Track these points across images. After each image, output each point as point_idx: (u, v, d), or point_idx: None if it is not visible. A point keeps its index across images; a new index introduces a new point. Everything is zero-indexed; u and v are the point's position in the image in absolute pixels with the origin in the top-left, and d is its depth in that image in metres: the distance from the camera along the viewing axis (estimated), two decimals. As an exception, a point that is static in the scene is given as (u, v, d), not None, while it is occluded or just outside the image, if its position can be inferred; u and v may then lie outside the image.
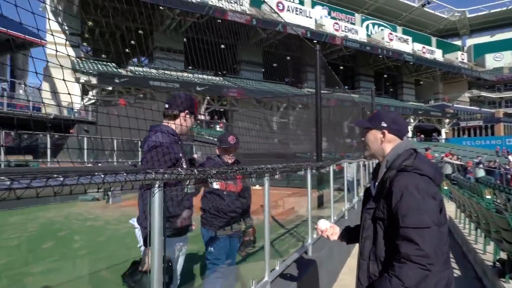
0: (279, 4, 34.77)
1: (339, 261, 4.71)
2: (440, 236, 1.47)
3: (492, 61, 54.05)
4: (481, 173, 15.65)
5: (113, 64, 29.67)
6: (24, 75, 19.14)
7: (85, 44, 33.55)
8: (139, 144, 2.35)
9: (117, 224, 6.90)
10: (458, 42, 56.53)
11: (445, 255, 1.51)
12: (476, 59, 54.97)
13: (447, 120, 47.77)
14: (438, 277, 1.45)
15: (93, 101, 25.88)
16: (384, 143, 1.68)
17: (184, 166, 2.27)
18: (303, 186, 6.06)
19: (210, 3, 27.56)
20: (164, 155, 2.08)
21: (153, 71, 30.79)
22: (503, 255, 4.24)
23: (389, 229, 1.54)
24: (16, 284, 3.92)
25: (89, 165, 12.11)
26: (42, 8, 25.20)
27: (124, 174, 1.34)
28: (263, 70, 37.72)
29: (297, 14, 35.91)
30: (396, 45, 43.10)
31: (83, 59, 29.43)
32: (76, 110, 20.11)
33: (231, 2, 29.45)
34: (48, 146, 11.81)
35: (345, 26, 39.92)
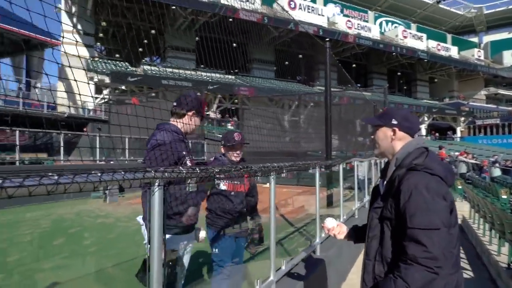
0: (291, 3, 34.61)
1: (349, 260, 4.65)
2: (450, 238, 1.42)
3: (510, 58, 52.71)
4: (497, 172, 15.30)
5: (126, 63, 30.00)
6: (39, 75, 19.47)
7: (98, 44, 33.99)
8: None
9: (128, 221, 6.96)
10: (475, 39, 55.35)
11: (455, 258, 1.46)
12: (493, 56, 53.74)
13: (462, 118, 46.88)
14: (446, 281, 1.40)
15: (106, 100, 26.22)
16: (395, 141, 1.63)
17: (188, 164, 2.27)
18: (313, 184, 6.03)
19: (221, 2, 27.61)
20: (166, 153, 2.09)
21: (166, 70, 31.00)
22: (517, 257, 4.13)
23: (397, 230, 1.50)
24: (27, 280, 3.98)
25: (102, 163, 12.26)
26: (57, 9, 25.73)
27: (122, 172, 1.33)
28: (275, 68, 37.63)
29: (309, 12, 35.68)
30: (410, 42, 42.45)
31: (97, 58, 29.84)
32: (89, 109, 20.39)
33: (243, 1, 29.44)
34: (61, 144, 12.00)
35: (358, 24, 39.52)
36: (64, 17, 26.52)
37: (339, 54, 39.50)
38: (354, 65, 44.14)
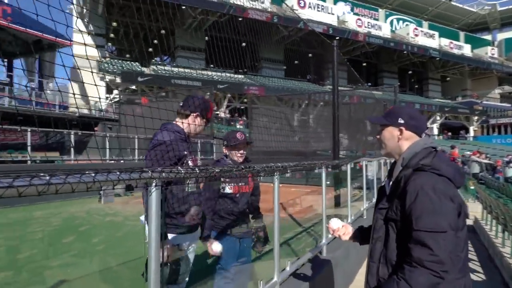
0: (301, 1, 34.49)
1: (356, 262, 4.60)
2: (457, 241, 1.38)
3: (525, 56, 51.73)
4: (511, 172, 15.01)
5: (136, 63, 30.28)
6: (51, 75, 19.76)
7: (109, 44, 34.38)
8: None
9: (136, 220, 7.00)
10: (488, 37, 54.30)
11: (462, 262, 1.41)
12: (508, 53, 52.62)
13: (475, 118, 46.14)
14: (452, 286, 1.36)
15: (117, 99, 26.51)
16: (401, 140, 1.59)
17: (190, 164, 2.27)
18: (321, 184, 5.99)
19: (231, 1, 27.65)
20: (166, 152, 2.09)
21: (175, 69, 31.20)
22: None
23: (402, 232, 1.46)
24: (37, 277, 4.03)
25: (112, 162, 12.39)
26: (69, 10, 26.04)
27: (117, 172, 1.31)
28: (284, 67, 37.55)
29: (318, 10, 35.49)
30: (422, 40, 41.91)
31: (108, 58, 30.18)
32: (98, 109, 20.63)
33: (252, 1, 29.44)
34: (72, 143, 12.17)
35: (368, 22, 39.17)
36: (76, 19, 26.84)
37: (349, 53, 39.23)
38: (364, 64, 43.84)
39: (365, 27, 38.19)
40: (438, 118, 43.47)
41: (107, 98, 26.40)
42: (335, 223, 1.98)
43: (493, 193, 6.48)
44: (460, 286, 1.40)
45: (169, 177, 1.58)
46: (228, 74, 32.76)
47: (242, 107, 31.79)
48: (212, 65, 32.11)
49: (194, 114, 2.33)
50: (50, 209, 8.28)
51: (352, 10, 40.48)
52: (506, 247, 5.18)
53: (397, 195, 1.48)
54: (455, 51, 44.82)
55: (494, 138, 42.33)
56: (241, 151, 2.84)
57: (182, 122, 2.34)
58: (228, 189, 2.80)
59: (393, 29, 43.07)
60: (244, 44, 27.81)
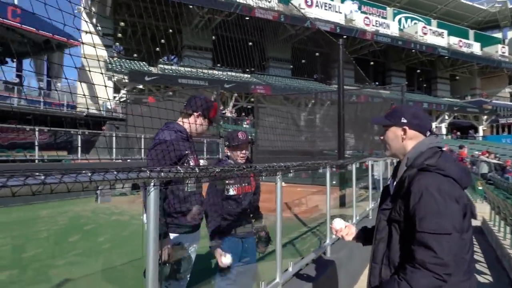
0: (308, 0, 34.34)
1: (361, 262, 4.56)
2: (462, 243, 1.35)
3: (535, 54, 50.90)
4: (520, 172, 14.80)
5: (143, 62, 30.44)
6: (59, 75, 19.99)
7: (117, 44, 34.60)
8: None
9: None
10: (499, 35, 53.48)
11: (467, 264, 1.38)
12: (518, 52, 51.94)
13: (485, 117, 45.57)
14: None
15: (124, 99, 26.68)
16: (406, 140, 1.56)
17: (191, 164, 2.27)
18: (330, 183, 5.96)
19: (238, 0, 27.66)
20: (166, 152, 2.09)
21: (182, 69, 31.32)
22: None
23: (405, 233, 1.43)
24: (41, 275, 4.07)
25: (119, 161, 12.48)
26: (78, 10, 26.29)
27: (115, 172, 1.31)
28: (291, 66, 37.46)
29: (326, 9, 35.31)
30: (430, 39, 41.47)
31: (116, 58, 30.39)
32: (106, 109, 20.81)
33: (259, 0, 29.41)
34: (79, 143, 12.29)
35: (376, 21, 38.87)
36: (84, 18, 27.11)
37: (356, 52, 38.99)
38: (372, 63, 43.55)
39: (373, 25, 37.91)
40: (446, 117, 43.02)
41: (114, 97, 26.59)
42: (338, 223, 1.96)
43: (501, 194, 6.38)
44: (465, 288, 1.37)
45: (168, 176, 1.58)
46: (234, 74, 32.80)
47: (249, 106, 31.79)
48: (219, 65, 32.16)
49: (196, 114, 2.35)
50: (56, 207, 8.35)
51: (359, 8, 40.19)
52: (515, 249, 5.11)
53: (401, 196, 1.46)
54: (464, 49, 44.28)
55: (504, 137, 41.75)
56: (244, 151, 2.79)
57: (183, 122, 2.35)
58: (232, 191, 2.75)
59: (401, 27, 42.66)
60: (251, 43, 27.82)
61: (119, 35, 33.49)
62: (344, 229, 1.94)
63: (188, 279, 2.34)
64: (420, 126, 1.56)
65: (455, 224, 1.31)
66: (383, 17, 41.49)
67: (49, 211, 8.00)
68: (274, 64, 36.83)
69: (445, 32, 43.49)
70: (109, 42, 30.05)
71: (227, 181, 2.72)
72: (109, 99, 22.61)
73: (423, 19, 44.78)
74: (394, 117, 1.61)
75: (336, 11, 36.03)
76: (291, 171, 2.84)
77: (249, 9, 28.44)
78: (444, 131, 42.46)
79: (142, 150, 12.54)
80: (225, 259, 2.51)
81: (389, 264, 1.50)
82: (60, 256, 4.76)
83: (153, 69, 29.69)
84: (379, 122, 1.72)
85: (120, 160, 12.72)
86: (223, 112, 28.69)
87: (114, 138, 14.03)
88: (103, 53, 27.03)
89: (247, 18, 28.36)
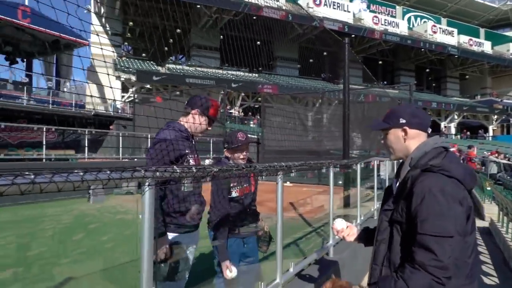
0: (316, -1, 34.22)
1: (364, 263, 4.51)
2: (465, 246, 1.32)
3: (548, 52, 50.02)
4: (531, 173, 14.55)
5: (152, 62, 30.61)
6: (69, 74, 20.18)
7: (126, 43, 34.85)
8: None
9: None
10: (510, 33, 52.69)
11: (470, 268, 1.35)
12: (531, 51, 51.08)
13: (495, 117, 44.95)
14: None
15: (131, 98, 26.87)
16: (408, 140, 1.53)
17: (192, 163, 2.26)
18: (336, 183, 5.94)
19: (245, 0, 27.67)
20: (165, 151, 2.09)
21: (190, 68, 31.43)
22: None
23: (407, 234, 1.41)
24: (45, 273, 4.10)
25: (125, 160, 12.57)
26: (87, 9, 26.52)
27: (108, 172, 1.30)
28: (299, 66, 37.34)
29: (334, 8, 35.12)
30: (440, 38, 41.00)
31: (124, 58, 30.60)
32: (114, 108, 20.97)
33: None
34: (86, 142, 12.41)
35: (385, 20, 38.54)
36: (94, 18, 27.36)
37: (365, 51, 38.75)
38: (380, 62, 43.21)
39: (382, 24, 37.61)
40: (456, 117, 42.53)
41: (122, 97, 26.77)
42: (339, 223, 1.93)
43: (510, 195, 6.28)
44: (467, 292, 1.35)
45: (164, 176, 1.56)
46: (242, 73, 32.81)
47: (256, 106, 31.80)
48: (226, 64, 32.21)
49: (193, 112, 2.34)
50: (63, 206, 8.43)
51: (368, 7, 39.89)
52: (523, 251, 5.02)
53: (403, 197, 1.44)
54: (475, 48, 43.71)
55: (515, 137, 41.16)
56: (244, 153, 2.72)
57: (181, 121, 2.35)
58: (234, 193, 2.70)
59: (411, 26, 42.25)
60: (259, 42, 27.77)
61: (128, 34, 33.73)
62: (346, 229, 1.91)
63: (187, 279, 2.33)
64: (420, 124, 1.54)
65: (457, 227, 1.28)
66: (392, 16, 41.11)
67: (55, 209, 8.08)
68: (282, 64, 36.75)
69: (455, 30, 42.97)
70: (117, 41, 30.26)
71: (231, 185, 2.67)
72: (114, 100, 22.78)
73: (433, 18, 44.27)
74: (392, 119, 1.58)
75: (345, 10, 35.81)
76: (293, 171, 2.81)
77: (257, 8, 28.41)
78: (453, 131, 42.00)
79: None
80: (230, 273, 2.47)
81: (390, 266, 1.47)
82: (64, 255, 4.80)
83: (161, 69, 29.85)
84: (378, 126, 1.69)
85: (127, 159, 12.80)
86: (230, 111, 28.71)
87: (120, 137, 14.13)
88: (111, 53, 27.26)
89: (255, 18, 28.34)
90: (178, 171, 1.62)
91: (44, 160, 10.90)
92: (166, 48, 33.15)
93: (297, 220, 6.46)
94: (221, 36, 32.29)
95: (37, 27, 16.89)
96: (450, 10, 46.70)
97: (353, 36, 34.27)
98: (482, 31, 48.17)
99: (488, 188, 9.28)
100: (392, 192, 1.59)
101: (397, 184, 1.56)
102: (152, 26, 31.15)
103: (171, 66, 31.57)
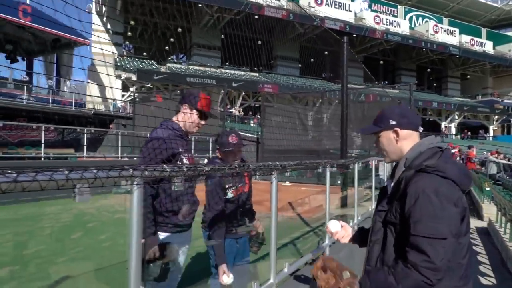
0: (317, -2, 34.19)
1: (361, 263, 4.50)
2: (459, 248, 1.31)
3: (550, 53, 49.83)
4: (531, 173, 14.50)
5: (152, 61, 30.62)
6: (69, 73, 20.20)
7: (127, 42, 34.84)
8: None
9: (145, 217, 7.03)
10: (512, 33, 52.65)
11: (464, 269, 1.34)
12: (533, 51, 50.90)
13: (496, 117, 44.87)
14: None
15: (132, 97, 26.89)
16: (400, 141, 1.51)
17: (185, 162, 2.24)
18: (334, 183, 5.92)
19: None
20: (158, 149, 2.07)
21: (190, 67, 31.43)
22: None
23: (401, 236, 1.39)
24: (41, 272, 4.10)
25: (125, 159, 12.57)
26: (88, 9, 26.55)
27: (94, 170, 1.29)
28: (299, 65, 37.31)
29: (336, 7, 35.08)
30: (442, 37, 40.93)
31: (125, 57, 30.62)
32: (114, 107, 20.98)
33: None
34: (85, 141, 12.42)
35: (387, 19, 38.47)
36: (95, 17, 27.38)
37: (366, 51, 38.72)
38: (381, 62, 43.16)
39: (383, 24, 37.54)
40: (456, 117, 42.48)
41: (123, 96, 26.79)
42: (333, 225, 1.87)
43: (508, 195, 6.26)
44: (460, 294, 1.33)
45: (153, 175, 1.55)
46: (242, 72, 32.81)
47: (256, 105, 31.80)
48: (227, 63, 32.20)
49: (183, 107, 2.31)
50: (63, 204, 8.41)
51: (370, 7, 39.81)
52: (521, 252, 5.00)
53: (397, 197, 1.42)
54: (476, 48, 43.62)
55: (515, 138, 41.08)
56: (236, 156, 2.64)
57: (174, 120, 2.33)
58: (230, 194, 2.66)
59: (412, 26, 42.17)
60: (260, 42, 27.78)
61: (129, 33, 33.73)
62: (340, 231, 1.86)
63: (179, 279, 2.32)
64: (410, 124, 1.52)
65: (451, 229, 1.27)
66: (394, 16, 41.04)
67: (55, 208, 8.08)
68: (282, 63, 36.73)
69: (457, 30, 42.90)
70: (119, 40, 30.28)
71: (226, 186, 2.64)
72: (114, 99, 22.81)
73: (434, 18, 44.19)
74: (382, 121, 1.56)
75: (346, 9, 35.77)
76: (287, 170, 2.79)
77: (258, 8, 28.40)
78: (453, 131, 41.95)
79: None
80: (227, 279, 2.44)
81: (383, 267, 1.46)
82: (61, 253, 4.80)
83: (162, 68, 29.86)
84: (369, 131, 1.67)
85: (126, 158, 12.80)
86: (230, 111, 28.70)
87: (119, 136, 14.14)
88: (113, 51, 27.28)
89: (256, 17, 28.33)
90: (168, 170, 1.61)
91: (42, 158, 10.90)
92: (167, 47, 33.19)
93: (295, 219, 6.45)
94: (222, 35, 32.29)
95: (38, 26, 16.89)
96: (452, 10, 46.60)
97: (354, 35, 34.24)
98: (484, 31, 48.07)
99: (487, 188, 9.26)
100: (386, 192, 1.57)
101: (392, 184, 1.54)
102: (154, 25, 31.19)
103: (171, 65, 31.57)
